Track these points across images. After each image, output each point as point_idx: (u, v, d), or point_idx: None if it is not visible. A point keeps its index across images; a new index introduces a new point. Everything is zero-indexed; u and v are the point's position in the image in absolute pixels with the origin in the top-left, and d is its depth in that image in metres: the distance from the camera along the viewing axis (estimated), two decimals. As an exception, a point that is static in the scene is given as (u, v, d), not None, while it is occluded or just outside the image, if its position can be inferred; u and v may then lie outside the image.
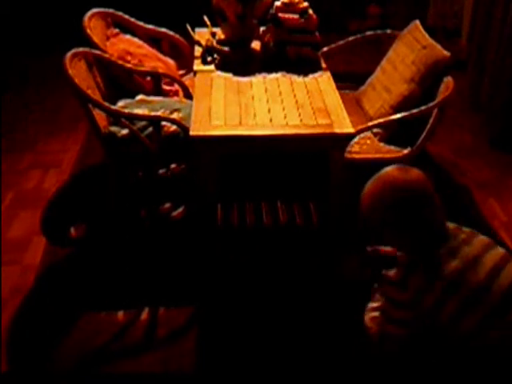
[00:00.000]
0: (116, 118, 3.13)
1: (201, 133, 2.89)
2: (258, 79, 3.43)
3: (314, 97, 3.26)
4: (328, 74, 3.55)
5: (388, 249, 2.26)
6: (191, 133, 2.88)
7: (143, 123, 3.18)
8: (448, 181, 4.00)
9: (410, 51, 3.55)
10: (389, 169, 2.02)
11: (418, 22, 3.68)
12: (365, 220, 2.04)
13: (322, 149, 3.02)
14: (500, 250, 2.01)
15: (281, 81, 3.43)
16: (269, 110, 3.10)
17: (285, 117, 3.05)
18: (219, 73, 3.48)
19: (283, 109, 3.12)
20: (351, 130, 2.97)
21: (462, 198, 3.84)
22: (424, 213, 1.96)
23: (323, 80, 3.46)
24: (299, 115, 3.07)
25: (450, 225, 2.05)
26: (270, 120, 3.02)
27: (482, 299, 1.85)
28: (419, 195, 1.95)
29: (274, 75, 3.48)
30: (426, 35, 3.54)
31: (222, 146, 2.96)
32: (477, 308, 1.85)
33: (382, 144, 3.44)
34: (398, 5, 5.82)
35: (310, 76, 3.49)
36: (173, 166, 3.30)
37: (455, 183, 3.99)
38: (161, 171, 3.29)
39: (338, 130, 2.95)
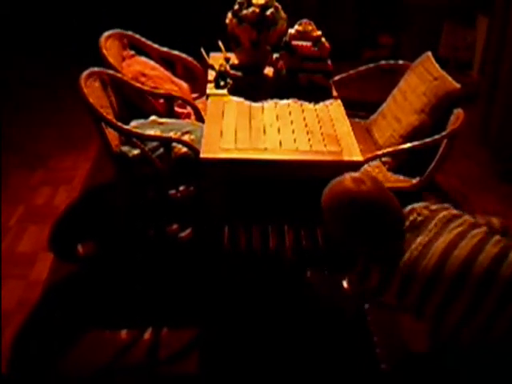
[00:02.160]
0: (128, 137, 3.17)
1: (211, 155, 2.91)
2: (269, 105, 3.45)
3: (324, 123, 3.28)
4: (339, 101, 3.57)
5: None
6: (201, 155, 2.90)
7: (154, 144, 3.21)
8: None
9: (421, 82, 3.59)
10: (344, 179, 2.12)
11: (429, 53, 3.72)
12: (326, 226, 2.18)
13: (331, 175, 2.99)
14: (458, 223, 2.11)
15: (292, 107, 3.45)
16: (279, 136, 3.12)
17: (294, 141, 3.07)
18: (232, 98, 3.50)
19: (293, 134, 3.15)
20: (360, 158, 2.98)
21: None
22: (381, 222, 2.06)
23: (334, 108, 3.49)
24: (309, 141, 3.09)
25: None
26: (280, 145, 3.03)
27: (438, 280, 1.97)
28: (374, 207, 2.05)
29: (285, 101, 3.50)
30: (438, 67, 3.57)
31: (232, 169, 2.97)
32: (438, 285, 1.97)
33: (390, 173, 3.46)
34: (410, 35, 5.88)
35: (321, 103, 3.51)
36: (182, 187, 3.32)
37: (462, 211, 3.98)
38: (170, 192, 3.31)
39: (346, 158, 2.96)
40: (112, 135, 3.22)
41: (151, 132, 3.29)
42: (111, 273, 3.32)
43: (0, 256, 3.39)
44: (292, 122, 3.28)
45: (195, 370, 2.77)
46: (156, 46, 4.05)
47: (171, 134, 3.28)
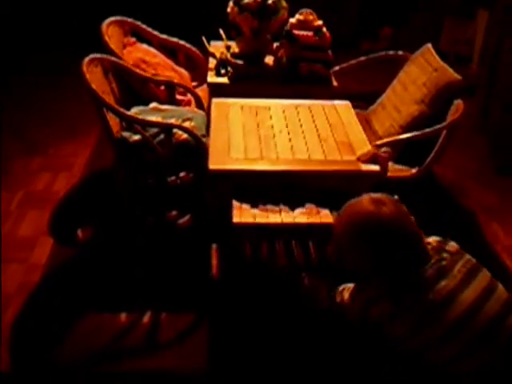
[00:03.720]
0: (129, 123, 3.19)
1: (220, 167, 2.73)
2: (275, 107, 3.33)
3: (336, 129, 3.13)
4: (348, 103, 3.47)
5: None
6: (210, 166, 2.71)
7: (155, 130, 3.23)
8: (452, 203, 4.03)
9: (421, 73, 3.60)
10: (363, 200, 1.95)
11: (430, 45, 3.74)
12: (335, 246, 2.03)
13: (346, 187, 2.70)
14: (484, 277, 1.96)
15: (300, 110, 3.33)
16: (290, 143, 2.97)
17: (307, 150, 2.91)
18: (236, 100, 3.37)
19: (305, 142, 2.99)
20: (377, 168, 2.85)
21: (465, 221, 3.86)
22: (395, 253, 1.90)
23: (343, 110, 3.38)
24: (322, 149, 2.93)
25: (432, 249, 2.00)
26: (292, 154, 2.87)
27: (462, 331, 1.83)
28: (391, 234, 1.88)
29: (291, 102, 3.40)
30: (438, 58, 3.59)
31: (242, 179, 2.83)
32: (459, 337, 1.83)
33: (390, 163, 3.48)
34: (412, 29, 5.90)
35: (329, 103, 3.42)
36: (182, 174, 3.34)
37: (459, 205, 4.02)
38: (170, 179, 3.33)
39: (364, 168, 2.81)
40: (113, 121, 3.24)
41: (152, 118, 3.31)
42: (110, 257, 3.33)
43: (0, 240, 3.41)
44: (302, 127, 3.14)
45: (193, 353, 2.79)
46: (157, 33, 4.06)
47: (172, 121, 3.30)
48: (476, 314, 1.84)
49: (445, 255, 1.96)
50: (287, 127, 3.13)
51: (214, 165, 2.72)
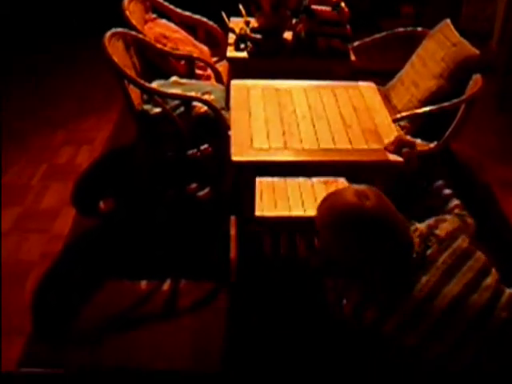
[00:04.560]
0: (150, 95, 3.24)
1: (244, 158, 2.59)
2: (297, 89, 3.16)
3: (361, 114, 2.97)
4: (372, 85, 3.32)
5: None
6: (233, 158, 2.58)
7: (175, 103, 3.28)
8: (470, 178, 4.03)
9: (440, 48, 3.61)
10: (346, 193, 1.86)
11: (448, 20, 3.74)
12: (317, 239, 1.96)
13: (372, 176, 2.63)
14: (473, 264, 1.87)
15: (322, 92, 3.16)
16: (314, 130, 2.80)
17: (332, 139, 2.75)
18: (256, 82, 3.21)
19: (330, 129, 2.83)
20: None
21: (483, 196, 3.86)
22: (378, 244, 1.82)
23: (368, 92, 3.22)
24: (348, 138, 2.77)
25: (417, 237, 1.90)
26: (317, 142, 2.72)
27: (447, 326, 1.77)
28: (374, 226, 1.80)
29: (313, 83, 3.24)
30: (456, 33, 3.59)
31: (266, 170, 2.76)
32: (445, 332, 1.77)
33: (408, 137, 3.49)
34: (431, 6, 5.86)
35: (352, 85, 3.27)
36: (203, 147, 3.39)
37: (477, 181, 4.02)
38: (190, 152, 3.39)
39: (391, 158, 2.65)
40: (134, 94, 3.29)
41: (172, 91, 3.36)
42: (131, 228, 3.41)
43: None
44: (326, 112, 2.97)
45: (211, 320, 2.86)
46: (178, 9, 4.10)
47: (192, 94, 3.34)
48: (461, 306, 1.78)
49: (431, 243, 1.88)
50: (310, 112, 2.97)
51: (236, 156, 2.59)
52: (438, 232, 1.92)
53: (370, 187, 1.89)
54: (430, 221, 1.99)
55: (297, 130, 2.81)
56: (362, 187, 1.88)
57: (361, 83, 3.33)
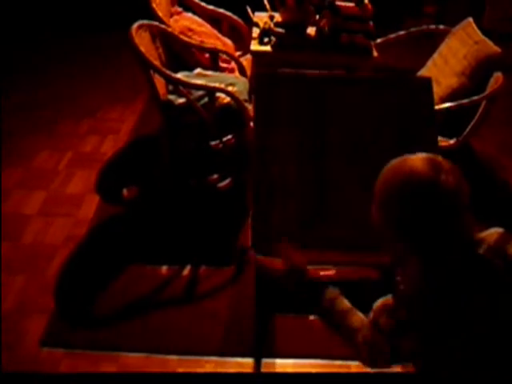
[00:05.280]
0: (175, 85, 3.31)
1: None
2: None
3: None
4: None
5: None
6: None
7: (199, 93, 3.35)
8: (489, 176, 4.06)
9: (462, 46, 3.64)
10: (419, 159, 1.56)
11: (471, 18, 3.77)
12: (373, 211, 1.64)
13: None
14: None
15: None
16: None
17: None
18: None
19: None
20: None
21: (501, 193, 3.89)
22: (446, 224, 1.54)
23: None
24: None
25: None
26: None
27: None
28: (446, 204, 1.51)
29: None
30: (479, 31, 3.62)
31: None
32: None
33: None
34: (455, 6, 5.87)
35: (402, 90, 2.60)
36: (225, 138, 3.46)
37: (496, 178, 4.05)
38: (213, 143, 3.46)
39: None
40: (159, 85, 3.37)
41: (197, 82, 3.43)
42: (153, 215, 3.49)
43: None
44: None
45: (230, 305, 2.93)
46: (203, 3, 4.18)
47: (216, 85, 3.41)
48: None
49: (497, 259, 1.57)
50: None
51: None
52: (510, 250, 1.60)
53: (447, 160, 1.58)
54: (495, 230, 1.66)
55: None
56: (438, 157, 1.58)
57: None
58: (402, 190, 1.53)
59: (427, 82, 2.55)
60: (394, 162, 1.60)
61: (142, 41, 3.33)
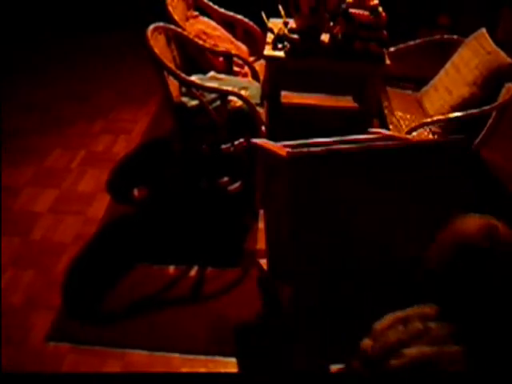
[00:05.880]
0: (188, 87, 3.35)
1: None
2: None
3: None
4: None
5: None
6: None
7: (212, 96, 3.38)
8: (498, 187, 4.05)
9: (474, 56, 3.65)
10: (474, 227, 1.55)
11: (484, 29, 3.78)
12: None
13: None
14: None
15: None
16: None
17: None
18: None
19: None
20: None
21: (508, 202, 3.88)
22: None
23: None
24: None
25: None
26: None
27: None
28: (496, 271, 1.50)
29: None
30: (491, 42, 3.63)
31: None
32: None
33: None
34: (469, 17, 5.88)
35: None
36: (236, 141, 3.48)
37: (505, 190, 4.04)
38: (224, 146, 3.48)
39: None
40: (173, 86, 3.40)
41: (210, 85, 3.46)
42: (163, 216, 3.52)
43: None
44: None
45: (234, 307, 2.95)
46: (219, 8, 4.22)
47: (229, 88, 3.44)
48: None
49: None
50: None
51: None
52: None
53: (502, 222, 1.58)
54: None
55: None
56: (495, 223, 1.56)
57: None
58: (456, 257, 1.54)
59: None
60: (458, 227, 1.60)
61: (158, 43, 3.37)
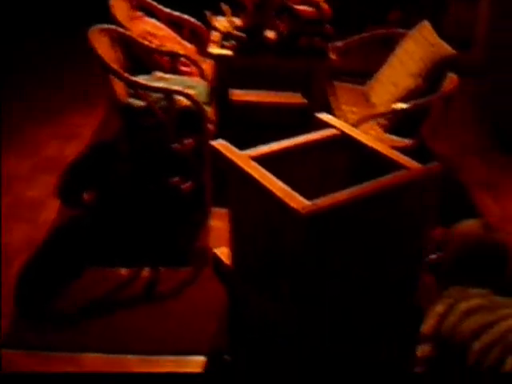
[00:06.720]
0: (134, 88, 3.33)
1: None
2: None
3: None
4: None
5: None
6: None
7: (158, 96, 3.37)
8: (447, 177, 4.10)
9: (418, 48, 3.71)
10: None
11: (426, 21, 3.85)
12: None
13: None
14: None
15: None
16: None
17: None
18: None
19: None
20: None
21: (459, 195, 3.94)
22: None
23: None
24: None
25: None
26: None
27: None
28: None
29: None
30: (435, 34, 3.70)
31: None
32: None
33: (386, 135, 3.59)
34: (419, 13, 5.96)
35: None
36: (186, 141, 3.48)
37: (454, 180, 4.09)
38: (173, 145, 3.48)
39: None
40: (119, 88, 3.39)
41: (156, 85, 3.45)
42: (113, 219, 3.50)
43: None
44: None
45: (189, 306, 2.94)
46: (164, 8, 4.21)
47: (175, 88, 3.44)
48: None
49: None
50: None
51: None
52: None
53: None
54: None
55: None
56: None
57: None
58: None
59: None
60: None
61: (101, 44, 3.35)
